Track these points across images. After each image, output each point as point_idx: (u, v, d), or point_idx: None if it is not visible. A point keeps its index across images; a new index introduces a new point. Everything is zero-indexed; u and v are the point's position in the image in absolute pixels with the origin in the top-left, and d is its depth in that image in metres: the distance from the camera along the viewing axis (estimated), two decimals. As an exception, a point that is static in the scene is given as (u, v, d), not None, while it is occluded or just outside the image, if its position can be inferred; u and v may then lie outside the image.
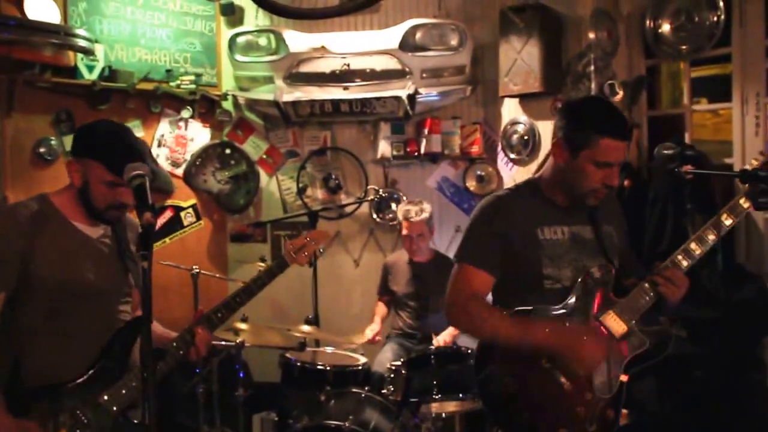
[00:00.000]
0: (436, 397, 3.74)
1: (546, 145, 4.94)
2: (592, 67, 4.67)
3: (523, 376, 2.46)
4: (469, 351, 3.94)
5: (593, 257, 2.59)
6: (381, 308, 4.95)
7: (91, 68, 4.59)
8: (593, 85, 4.66)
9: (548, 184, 2.64)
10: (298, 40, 5.11)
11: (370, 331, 4.64)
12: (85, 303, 2.46)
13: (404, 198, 5.32)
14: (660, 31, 4.63)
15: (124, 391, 2.42)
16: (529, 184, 2.71)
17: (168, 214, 5.11)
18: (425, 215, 4.63)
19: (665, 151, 2.25)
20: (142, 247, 1.86)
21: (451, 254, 5.06)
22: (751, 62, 4.36)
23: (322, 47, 5.07)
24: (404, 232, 4.72)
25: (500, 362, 2.50)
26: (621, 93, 4.66)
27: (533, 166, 5.03)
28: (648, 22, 4.66)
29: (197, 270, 4.32)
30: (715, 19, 4.39)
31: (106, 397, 2.40)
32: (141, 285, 1.86)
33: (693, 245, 2.59)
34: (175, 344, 2.55)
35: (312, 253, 2.91)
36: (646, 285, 2.54)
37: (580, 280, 2.52)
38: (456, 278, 2.62)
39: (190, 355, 2.56)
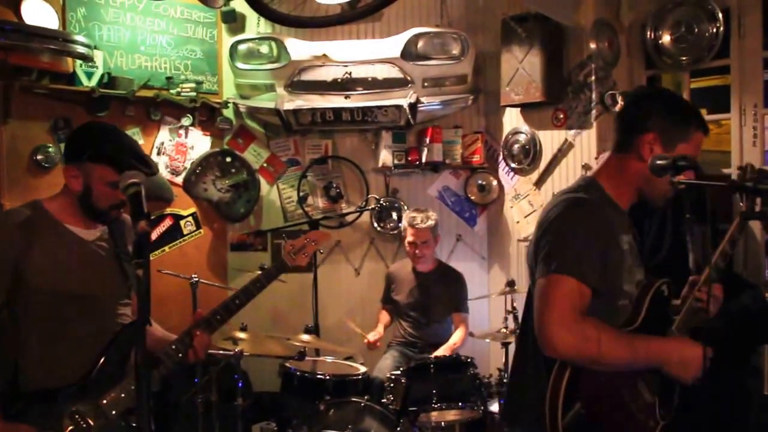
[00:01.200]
0: (436, 406, 3.73)
1: (547, 154, 4.95)
2: (593, 77, 4.69)
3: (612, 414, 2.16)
4: (469, 360, 3.94)
5: (639, 269, 2.35)
6: (384, 316, 4.96)
7: (89, 75, 4.57)
8: (594, 95, 4.68)
9: (616, 184, 2.31)
10: (299, 48, 5.11)
11: (372, 335, 4.64)
12: (81, 307, 2.45)
13: (405, 207, 5.31)
14: (660, 42, 4.63)
15: (123, 395, 2.42)
16: (594, 185, 2.33)
17: (167, 223, 5.08)
18: (431, 222, 4.64)
19: (658, 161, 2.19)
20: (137, 256, 1.84)
21: (452, 263, 5.10)
22: (749, 73, 4.36)
23: (324, 55, 5.07)
24: (409, 238, 4.72)
25: (587, 401, 2.10)
26: (622, 103, 4.66)
27: (534, 176, 5.04)
28: (649, 33, 4.66)
29: (196, 279, 4.30)
30: (715, 30, 4.39)
31: (105, 402, 2.39)
32: (137, 291, 1.86)
33: (727, 247, 2.39)
34: (174, 347, 2.55)
35: (312, 253, 2.89)
36: (697, 304, 2.31)
37: (649, 297, 2.24)
38: (555, 294, 2.10)
39: (188, 358, 2.57)
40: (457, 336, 4.66)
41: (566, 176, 4.87)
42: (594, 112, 4.70)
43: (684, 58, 4.58)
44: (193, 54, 5.14)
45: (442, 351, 4.41)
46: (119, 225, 2.63)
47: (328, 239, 2.99)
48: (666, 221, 4.37)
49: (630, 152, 2.30)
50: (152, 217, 4.96)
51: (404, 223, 4.79)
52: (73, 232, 2.50)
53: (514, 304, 4.06)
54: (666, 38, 4.61)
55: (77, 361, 2.43)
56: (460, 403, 3.77)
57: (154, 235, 4.96)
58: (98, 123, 2.65)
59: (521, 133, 5.09)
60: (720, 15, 4.35)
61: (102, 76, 4.63)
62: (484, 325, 5.23)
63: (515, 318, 3.99)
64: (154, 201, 4.93)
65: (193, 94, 5.00)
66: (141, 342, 1.79)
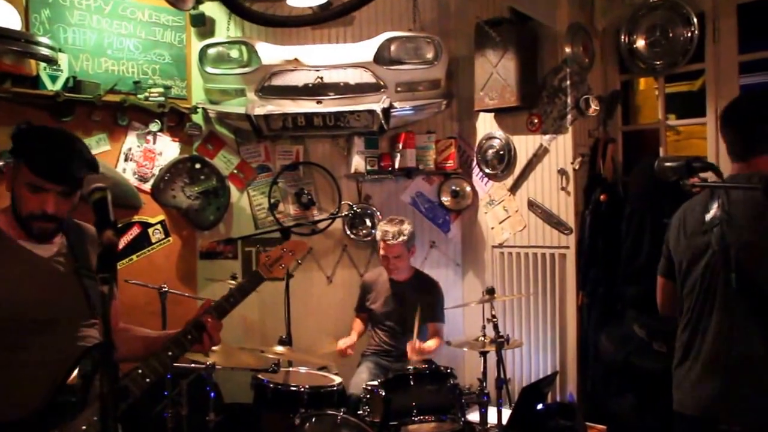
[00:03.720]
0: (416, 419, 3.64)
1: (521, 159, 4.91)
2: (568, 82, 4.68)
3: None
4: (449, 370, 3.86)
5: None
6: (358, 324, 4.88)
7: (54, 78, 4.43)
8: (569, 100, 4.67)
9: None
10: (270, 52, 5.00)
11: (344, 342, 4.55)
12: (37, 331, 2.20)
13: (378, 213, 5.23)
14: (635, 46, 4.64)
15: (84, 427, 2.16)
16: None
17: (135, 231, 4.94)
18: (403, 238, 4.55)
19: (668, 164, 2.15)
20: (102, 269, 1.68)
21: (426, 270, 5.04)
22: (725, 77, 4.36)
23: (295, 60, 4.97)
24: (382, 252, 4.65)
25: None
26: (596, 107, 4.65)
27: (509, 181, 5.00)
28: (623, 38, 4.67)
29: (165, 288, 4.18)
30: (689, 35, 4.40)
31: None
32: (101, 310, 1.69)
33: None
34: (189, 336, 2.37)
35: (289, 264, 2.75)
36: None
37: None
38: None
39: (204, 345, 2.39)
40: (434, 341, 4.59)
41: (541, 181, 4.84)
42: (569, 116, 4.68)
43: (658, 63, 4.59)
44: (161, 58, 5.00)
45: (412, 352, 4.26)
46: (80, 236, 2.41)
47: (305, 249, 2.83)
48: (644, 226, 4.35)
49: None
50: (119, 225, 4.83)
51: (377, 235, 4.70)
52: (26, 248, 2.26)
53: (493, 312, 3.99)
54: (640, 42, 4.61)
55: (32, 392, 2.16)
56: (441, 416, 3.69)
57: (121, 244, 4.83)
58: (46, 126, 2.41)
59: (495, 138, 5.06)
60: (695, 19, 4.36)
61: (67, 79, 4.50)
62: (459, 334, 5.18)
63: (495, 327, 3.92)
64: (121, 208, 4.80)
65: (162, 99, 4.88)
66: (107, 364, 1.64)
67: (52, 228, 2.29)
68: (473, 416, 4.09)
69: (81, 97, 4.53)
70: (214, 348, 3.74)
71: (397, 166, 5.23)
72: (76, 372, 2.22)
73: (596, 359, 4.50)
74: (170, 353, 2.33)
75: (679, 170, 2.17)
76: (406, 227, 4.60)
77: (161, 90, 4.91)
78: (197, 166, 5.09)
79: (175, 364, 3.90)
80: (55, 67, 4.42)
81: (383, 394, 3.70)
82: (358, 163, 5.20)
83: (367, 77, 5.01)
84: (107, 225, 1.81)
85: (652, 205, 4.27)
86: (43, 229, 2.26)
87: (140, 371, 2.26)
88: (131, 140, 4.90)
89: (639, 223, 4.36)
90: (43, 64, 4.36)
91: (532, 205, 4.90)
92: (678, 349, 2.85)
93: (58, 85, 4.45)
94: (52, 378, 2.19)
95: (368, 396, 3.83)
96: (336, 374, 4.28)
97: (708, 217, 2.62)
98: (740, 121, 2.61)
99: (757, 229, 2.48)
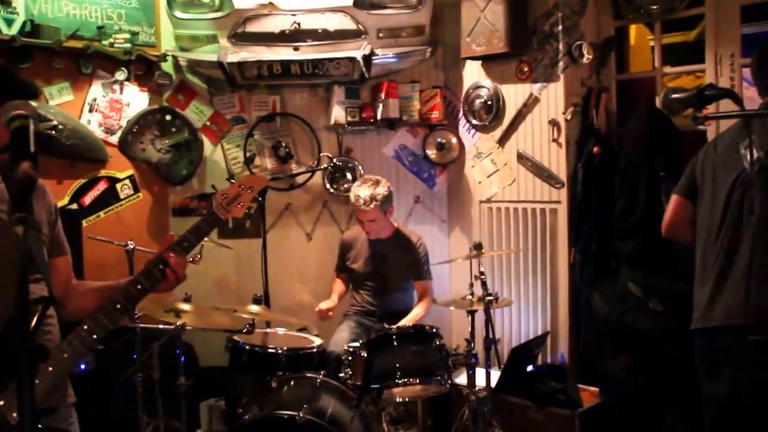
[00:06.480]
0: (400, 381, 3.46)
1: (511, 110, 4.71)
2: (560, 27, 4.48)
3: None
4: (434, 330, 3.68)
5: None
6: (338, 285, 4.68)
7: (9, 22, 4.14)
8: (561, 46, 4.48)
9: None
10: (243, -5, 4.71)
11: (324, 303, 4.37)
12: None
13: (360, 167, 5.01)
14: (630, -11, 4.41)
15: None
16: None
17: (102, 186, 4.68)
18: (375, 204, 4.32)
19: (676, 95, 1.96)
20: (17, 208, 1.47)
21: (410, 226, 4.85)
22: (726, 22, 4.13)
23: (270, 4, 4.69)
24: (356, 215, 4.45)
25: None
26: (590, 55, 4.43)
27: (498, 133, 4.81)
28: (618, -20, 4.43)
29: (132, 246, 3.96)
30: (688, -23, 4.18)
31: (2, 402, 1.87)
32: (19, 257, 1.44)
33: None
34: (139, 286, 2.12)
35: (248, 202, 2.46)
36: None
37: None
38: None
39: (169, 281, 2.16)
40: (420, 307, 4.42)
41: (531, 133, 4.66)
42: (561, 64, 4.48)
43: (654, 7, 4.37)
44: (127, 2, 4.69)
45: (405, 322, 4.15)
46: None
47: (263, 184, 2.56)
48: (639, 180, 4.18)
49: None
50: (84, 180, 4.60)
51: (351, 197, 4.46)
52: None
53: (482, 269, 3.79)
54: (636, -15, 4.37)
55: None
56: (426, 378, 3.50)
57: (87, 200, 4.59)
58: None
59: (483, 87, 4.86)
60: (695, -41, 4.13)
61: (24, 23, 4.20)
62: (446, 292, 5.02)
63: (483, 284, 3.73)
64: (87, 162, 4.54)
65: (128, 45, 4.60)
66: (24, 325, 1.41)
67: None
68: (460, 379, 3.92)
69: (40, 43, 4.23)
70: (185, 307, 3.56)
71: (379, 117, 5.00)
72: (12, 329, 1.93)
73: (589, 319, 4.35)
74: (118, 305, 2.07)
75: (689, 101, 1.99)
76: (380, 190, 4.36)
77: (127, 36, 4.61)
78: (168, 117, 4.81)
79: (143, 325, 3.76)
80: (10, 9, 4.14)
81: (365, 355, 3.50)
82: (338, 113, 4.96)
83: (346, 23, 4.75)
84: (24, 156, 1.57)
85: (647, 158, 4.15)
86: None
87: (86, 327, 2.02)
88: (96, 90, 4.62)
89: (634, 176, 4.22)
90: (-3, 6, 4.06)
91: (521, 158, 4.69)
92: (701, 266, 2.93)
93: (14, 30, 4.16)
94: None
95: (350, 358, 3.64)
96: (316, 335, 4.10)
97: (742, 140, 2.61)
98: None
99: None
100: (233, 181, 2.65)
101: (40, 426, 1.92)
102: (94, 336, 2.01)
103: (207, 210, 2.37)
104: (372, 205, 4.32)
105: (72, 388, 2.19)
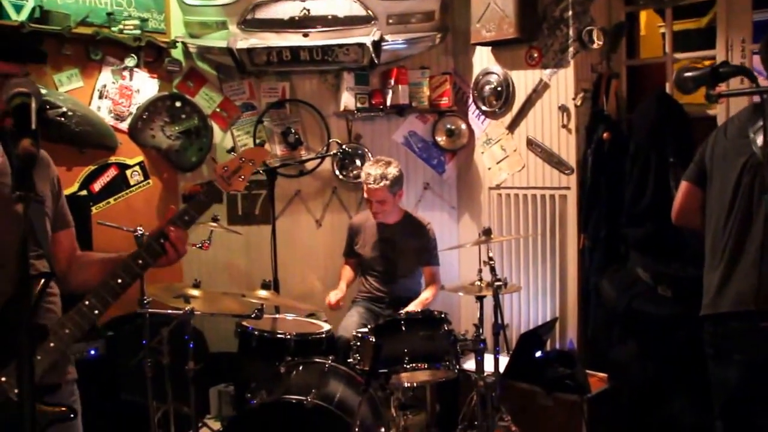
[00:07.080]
0: (408, 366, 3.45)
1: (520, 96, 4.68)
2: (571, 13, 4.43)
3: None
4: (443, 315, 3.67)
5: None
6: (347, 272, 4.67)
7: (18, 8, 4.13)
8: (571, 32, 4.43)
9: None
10: (253, -19, 4.70)
11: (334, 295, 4.36)
12: None
13: (369, 154, 4.99)
14: (642, -26, 4.37)
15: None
16: None
17: (112, 173, 4.70)
18: (386, 182, 4.30)
19: (688, 74, 1.94)
20: (19, 186, 1.48)
21: (420, 213, 4.83)
22: (737, 7, 4.08)
23: (280, -11, 4.69)
24: (365, 195, 4.44)
25: None
26: (600, 41, 4.40)
27: (507, 119, 4.78)
28: (629, -36, 4.39)
29: (141, 231, 3.96)
30: (700, -38, 4.14)
31: (3, 379, 1.87)
32: (24, 234, 1.45)
33: None
34: (149, 247, 2.10)
35: (249, 175, 2.43)
36: None
37: None
38: None
39: (169, 256, 2.13)
40: (428, 292, 4.42)
41: (541, 119, 4.62)
42: (571, 50, 4.44)
43: (666, -7, 4.32)
44: (136, -12, 4.70)
45: (413, 307, 4.15)
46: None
47: (265, 156, 2.53)
48: (649, 165, 4.15)
49: None
50: (94, 167, 4.61)
51: (362, 176, 4.46)
52: None
53: (490, 254, 3.78)
54: (648, -31, 4.33)
55: None
56: (434, 363, 3.50)
57: (97, 186, 4.60)
58: None
59: (493, 73, 4.82)
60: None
61: (33, 9, 4.19)
62: (455, 278, 5.00)
63: (492, 270, 3.72)
64: (96, 149, 4.55)
65: (138, 32, 4.59)
66: (25, 303, 1.42)
67: None
68: (469, 364, 3.92)
69: (49, 29, 4.23)
70: (194, 292, 3.57)
71: (389, 103, 4.98)
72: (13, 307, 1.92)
73: (598, 305, 4.34)
74: (119, 280, 2.04)
75: (702, 79, 1.96)
76: (392, 170, 4.35)
77: (137, 23, 4.61)
78: (177, 104, 4.82)
79: (153, 311, 3.77)
80: (19, -5, 4.13)
81: (373, 340, 3.50)
82: (347, 100, 4.95)
83: (356, 9, 4.73)
84: (26, 133, 1.57)
85: (657, 144, 4.14)
86: None
87: (87, 302, 2.00)
88: (106, 76, 4.62)
89: (644, 162, 4.19)
90: (6, -7, 4.06)
91: (531, 144, 4.67)
92: (710, 251, 2.91)
93: (24, 16, 4.15)
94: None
95: (358, 343, 3.65)
96: (325, 321, 4.10)
97: (751, 125, 2.58)
98: None
99: None
100: (234, 153, 2.62)
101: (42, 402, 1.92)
102: (96, 311, 2.00)
103: (207, 182, 2.33)
104: (382, 183, 4.30)
105: (77, 369, 2.18)
